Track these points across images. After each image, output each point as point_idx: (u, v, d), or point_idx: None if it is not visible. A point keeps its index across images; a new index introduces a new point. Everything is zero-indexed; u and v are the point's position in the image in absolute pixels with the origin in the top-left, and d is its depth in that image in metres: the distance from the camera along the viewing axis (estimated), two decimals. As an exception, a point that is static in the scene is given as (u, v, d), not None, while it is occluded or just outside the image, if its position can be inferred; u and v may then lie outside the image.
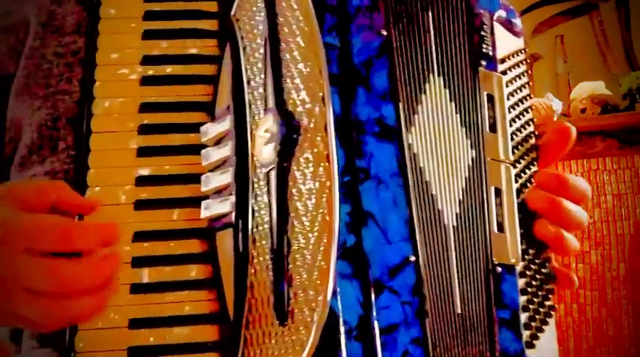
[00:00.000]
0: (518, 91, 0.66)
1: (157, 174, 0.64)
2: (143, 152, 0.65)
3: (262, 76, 0.60)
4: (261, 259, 0.55)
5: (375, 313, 0.49)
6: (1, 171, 0.74)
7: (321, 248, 0.50)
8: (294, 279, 0.51)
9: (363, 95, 0.56)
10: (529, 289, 0.60)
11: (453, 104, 0.61)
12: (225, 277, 0.58)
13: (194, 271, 0.61)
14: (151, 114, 0.66)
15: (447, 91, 0.61)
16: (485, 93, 0.62)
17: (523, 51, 0.69)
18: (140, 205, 0.63)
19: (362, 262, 0.51)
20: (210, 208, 0.60)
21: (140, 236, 0.62)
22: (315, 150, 0.53)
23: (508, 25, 0.68)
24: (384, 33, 0.58)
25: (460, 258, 0.57)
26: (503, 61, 0.66)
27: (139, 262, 0.61)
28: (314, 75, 0.55)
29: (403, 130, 0.56)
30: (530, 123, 0.67)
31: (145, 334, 0.59)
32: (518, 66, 0.68)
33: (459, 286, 0.56)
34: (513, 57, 0.67)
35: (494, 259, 0.58)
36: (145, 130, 0.66)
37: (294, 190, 0.53)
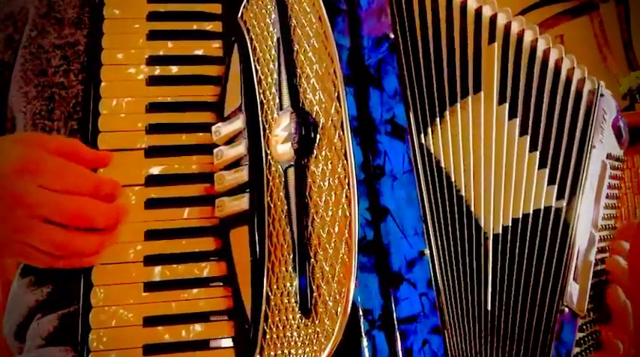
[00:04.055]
0: (611, 185, 0.73)
1: (166, 173, 0.65)
2: (152, 151, 0.65)
3: (275, 76, 0.61)
4: (278, 253, 0.56)
5: (395, 304, 0.51)
6: None
7: (343, 242, 0.52)
8: (317, 272, 0.53)
9: (376, 96, 0.58)
10: (582, 343, 0.63)
11: (528, 139, 0.64)
12: (241, 272, 0.59)
13: (207, 269, 0.62)
14: (158, 114, 0.67)
15: (517, 121, 0.64)
16: (591, 167, 0.68)
17: (622, 160, 0.76)
18: (150, 204, 0.63)
19: (381, 255, 0.53)
20: (225, 206, 0.61)
21: (151, 235, 0.62)
22: (334, 148, 0.55)
23: (618, 133, 0.76)
24: (392, 36, 0.60)
25: (500, 264, 0.59)
26: (607, 156, 0.72)
27: (151, 260, 0.62)
28: (329, 75, 0.57)
29: (413, 129, 0.58)
30: (615, 214, 0.73)
31: (160, 331, 0.60)
32: (615, 168, 0.74)
33: (493, 287, 0.58)
34: (613, 159, 0.74)
35: (565, 302, 0.61)
36: (153, 129, 0.66)
37: (313, 187, 0.55)
